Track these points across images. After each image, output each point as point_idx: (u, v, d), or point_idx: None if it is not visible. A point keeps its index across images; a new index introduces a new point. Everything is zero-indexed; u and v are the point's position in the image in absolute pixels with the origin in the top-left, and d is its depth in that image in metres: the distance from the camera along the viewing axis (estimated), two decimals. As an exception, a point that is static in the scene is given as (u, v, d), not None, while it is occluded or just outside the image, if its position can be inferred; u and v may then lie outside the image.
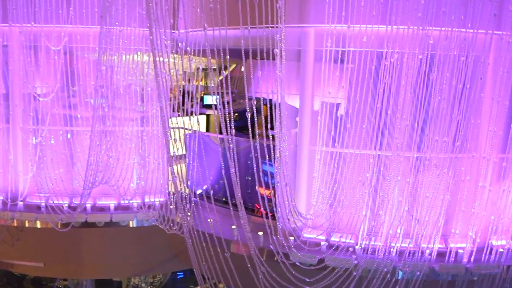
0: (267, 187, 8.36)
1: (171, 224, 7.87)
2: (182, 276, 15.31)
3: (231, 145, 5.60)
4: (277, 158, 6.07)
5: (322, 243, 7.11)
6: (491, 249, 6.81)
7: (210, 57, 5.72)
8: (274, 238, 6.25)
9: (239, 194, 5.65)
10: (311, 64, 7.13)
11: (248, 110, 6.04)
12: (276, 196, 6.29)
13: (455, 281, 6.80)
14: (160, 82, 5.77)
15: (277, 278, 6.02)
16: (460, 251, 6.87)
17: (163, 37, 6.56)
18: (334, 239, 7.07)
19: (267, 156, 6.05)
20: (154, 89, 8.23)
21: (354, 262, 6.43)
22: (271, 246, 6.16)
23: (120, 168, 7.90)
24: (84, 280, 12.35)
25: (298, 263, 6.40)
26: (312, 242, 7.06)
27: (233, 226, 7.64)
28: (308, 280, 6.22)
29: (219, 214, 6.44)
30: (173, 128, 6.65)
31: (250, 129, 6.26)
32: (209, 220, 7.32)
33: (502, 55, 6.21)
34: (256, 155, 5.87)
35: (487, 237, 6.87)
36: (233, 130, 5.67)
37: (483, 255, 6.80)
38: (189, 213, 6.82)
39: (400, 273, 6.57)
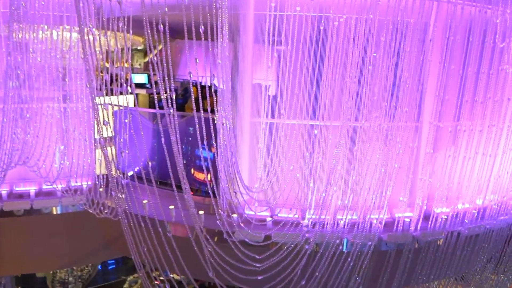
0: (203, 171, 7.89)
1: (102, 208, 7.12)
2: (113, 266, 14.47)
3: (171, 112, 4.98)
4: (221, 128, 5.55)
5: (268, 219, 6.76)
6: (436, 217, 6.84)
7: (148, 30, 5.01)
8: (224, 214, 5.76)
9: (181, 165, 5.07)
10: (251, 31, 6.66)
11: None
12: (219, 169, 5.76)
13: (402, 250, 6.75)
14: (87, 50, 5.02)
15: (226, 257, 5.55)
16: (407, 219, 6.83)
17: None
18: (281, 215, 6.73)
19: (211, 127, 5.52)
20: (77, 66, 7.36)
21: (305, 235, 6.11)
22: (218, 222, 5.65)
23: (40, 147, 6.97)
24: (3, 277, 11.18)
25: (247, 240, 5.97)
26: (257, 219, 6.66)
27: (171, 206, 7.09)
28: (258, 257, 5.81)
29: (154, 196, 5.84)
30: (101, 104, 5.93)
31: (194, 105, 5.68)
32: (144, 202, 6.69)
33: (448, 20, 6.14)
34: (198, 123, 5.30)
35: (432, 205, 6.89)
36: (174, 94, 5.06)
37: (429, 223, 6.81)
38: (122, 195, 6.15)
39: (349, 245, 6.36)
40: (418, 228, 6.73)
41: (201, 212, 6.78)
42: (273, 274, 5.81)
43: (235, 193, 5.71)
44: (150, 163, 5.48)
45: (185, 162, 8.34)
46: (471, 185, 6.79)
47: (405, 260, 6.68)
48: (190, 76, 5.38)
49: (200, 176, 8.36)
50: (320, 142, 6.41)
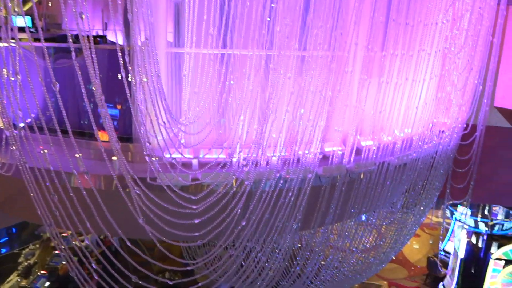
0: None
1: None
2: (6, 239, 12.82)
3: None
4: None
5: (194, 161, 6.06)
6: (367, 149, 6.70)
7: None
8: (147, 157, 4.94)
9: (100, 90, 4.14)
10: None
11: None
12: (139, 101, 4.86)
13: (336, 184, 6.52)
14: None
15: (157, 201, 4.80)
16: (339, 152, 6.59)
17: None
18: (210, 156, 6.05)
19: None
20: None
21: (242, 172, 5.53)
22: (147, 157, 4.83)
23: None
24: None
25: (182, 179, 5.23)
26: (183, 161, 5.91)
27: (78, 155, 6.06)
28: (194, 197, 5.14)
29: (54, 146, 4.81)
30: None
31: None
32: (42, 152, 5.58)
33: None
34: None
35: (362, 136, 6.72)
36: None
37: (362, 153, 6.65)
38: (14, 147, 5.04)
39: (287, 181, 5.93)
40: (352, 160, 6.52)
41: (114, 158, 5.87)
42: (211, 216, 5.20)
43: (164, 123, 4.86)
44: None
45: (86, 122, 7.28)
46: (401, 113, 6.71)
47: (339, 192, 6.46)
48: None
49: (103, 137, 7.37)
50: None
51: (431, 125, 7.27)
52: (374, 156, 6.72)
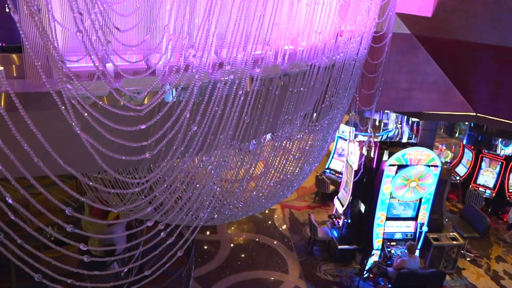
0: None
1: None
2: None
3: None
4: None
5: (109, 65, 4.88)
6: (299, 48, 6.26)
7: None
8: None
9: None
10: None
11: None
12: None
13: (270, 88, 6.00)
14: None
15: (97, 101, 3.72)
16: (270, 53, 6.00)
17: None
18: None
19: None
20: None
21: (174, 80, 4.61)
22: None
23: None
24: None
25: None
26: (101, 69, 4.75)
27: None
28: (139, 96, 4.15)
29: None
30: None
31: None
32: None
33: None
34: None
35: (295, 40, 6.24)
36: None
37: (297, 54, 6.19)
38: None
39: (232, 83, 5.17)
40: (286, 60, 6.01)
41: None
42: (158, 122, 4.28)
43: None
44: None
45: None
46: (332, 8, 6.32)
47: (274, 92, 5.94)
48: None
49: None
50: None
51: (357, 23, 7.06)
52: (306, 57, 6.34)
